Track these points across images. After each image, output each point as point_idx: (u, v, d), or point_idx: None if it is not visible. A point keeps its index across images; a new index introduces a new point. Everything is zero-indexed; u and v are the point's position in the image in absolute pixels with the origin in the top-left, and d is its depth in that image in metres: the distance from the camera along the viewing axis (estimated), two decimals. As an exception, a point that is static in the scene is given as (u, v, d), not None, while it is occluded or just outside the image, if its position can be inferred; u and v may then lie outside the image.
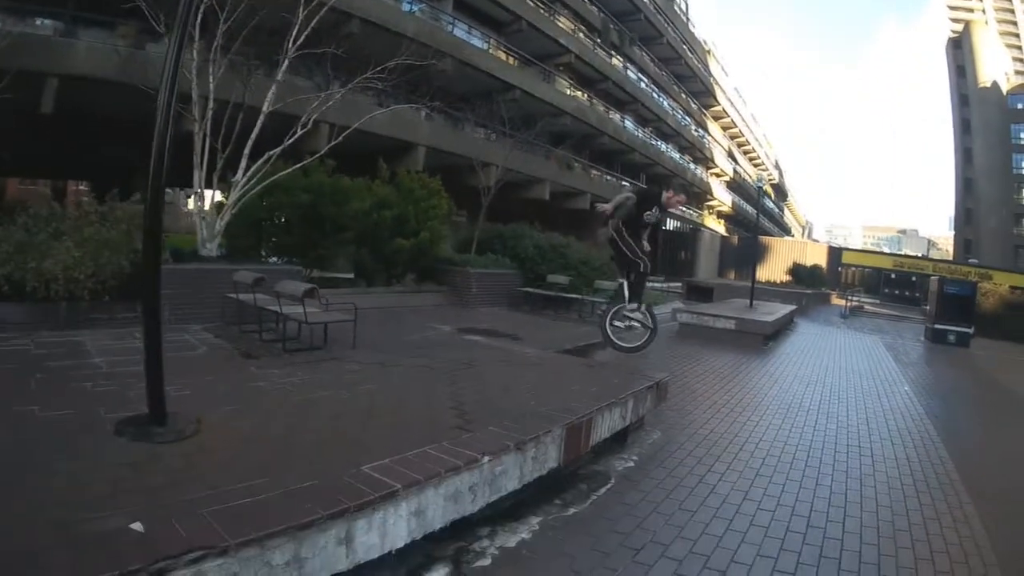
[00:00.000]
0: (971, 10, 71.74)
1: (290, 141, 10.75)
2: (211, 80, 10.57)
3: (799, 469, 5.56)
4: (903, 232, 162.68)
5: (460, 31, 25.50)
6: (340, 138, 11.56)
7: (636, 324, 9.87)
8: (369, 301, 9.54)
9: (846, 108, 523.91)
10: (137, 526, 2.60)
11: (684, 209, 47.15)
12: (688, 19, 51.43)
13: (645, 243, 9.33)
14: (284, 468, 3.34)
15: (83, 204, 9.95)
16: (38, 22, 14.45)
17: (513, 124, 20.58)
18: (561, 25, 31.47)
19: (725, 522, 4.23)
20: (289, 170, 11.29)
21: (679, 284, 28.13)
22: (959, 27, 69.80)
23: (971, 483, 5.67)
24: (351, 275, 12.05)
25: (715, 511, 4.41)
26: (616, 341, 9.77)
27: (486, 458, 3.62)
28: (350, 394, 5.24)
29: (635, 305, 9.61)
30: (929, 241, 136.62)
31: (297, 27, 10.92)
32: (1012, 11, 68.90)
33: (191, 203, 10.95)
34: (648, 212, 9.25)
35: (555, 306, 14.75)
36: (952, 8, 73.79)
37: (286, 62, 11.06)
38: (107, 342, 7.48)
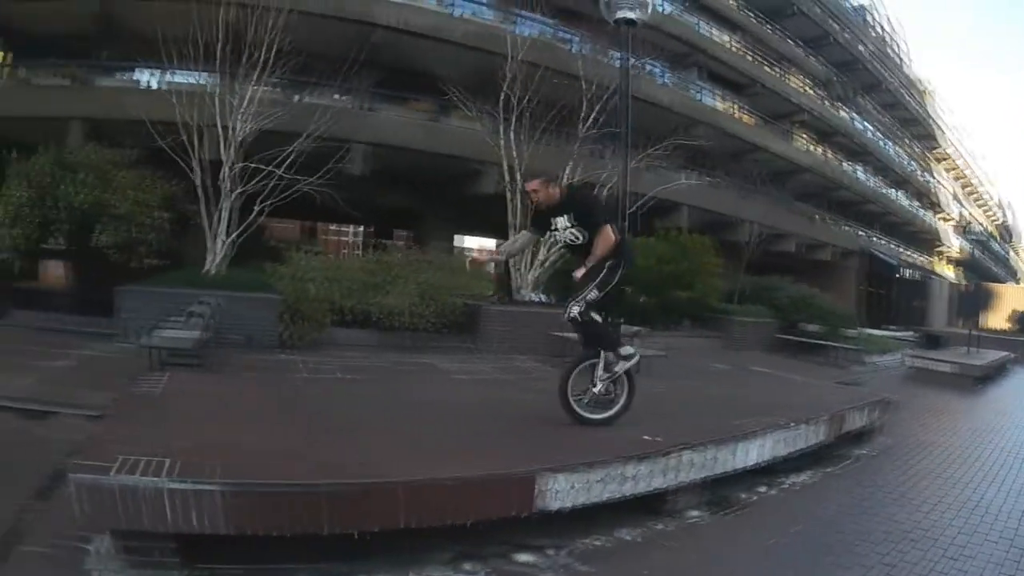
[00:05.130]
0: None
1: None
2: (512, 149, 13.61)
3: (981, 460, 8.00)
4: None
5: (707, 97, 28.16)
6: (638, 207, 13.69)
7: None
8: (653, 342, 11.24)
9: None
10: (648, 437, 5.25)
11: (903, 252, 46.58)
12: (902, 60, 50.72)
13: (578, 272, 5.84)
14: (698, 420, 6.44)
15: (409, 253, 12.78)
16: (336, 96, 16.86)
17: (761, 181, 22.67)
18: (792, 84, 33.23)
19: (931, 480, 6.83)
20: None
21: (911, 332, 28.88)
22: None
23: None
24: (621, 320, 14.02)
25: (923, 474, 7.03)
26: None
27: (792, 424, 6.48)
28: (704, 393, 8.81)
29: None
30: None
31: (584, 110, 13.88)
32: None
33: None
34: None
35: (807, 351, 16.69)
36: None
37: (578, 141, 13.96)
38: (454, 364, 9.87)
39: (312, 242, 31.39)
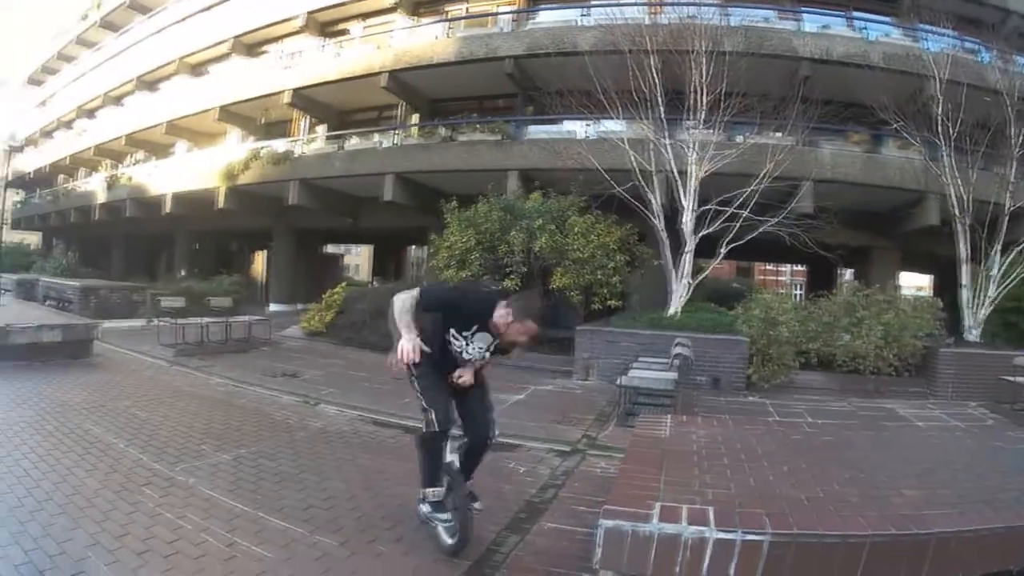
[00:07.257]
0: None
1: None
2: (956, 176, 13.18)
3: None
4: None
5: None
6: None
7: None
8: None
9: None
10: None
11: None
12: None
13: (460, 377, 4.57)
14: None
15: (873, 292, 12.15)
16: (777, 135, 15.21)
17: None
18: None
19: None
20: None
21: None
22: None
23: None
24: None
25: None
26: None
27: None
28: None
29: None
30: None
31: (1013, 128, 13.04)
32: None
33: (964, 295, 13.09)
34: (459, 334, 4.49)
35: None
36: None
37: (1013, 162, 13.09)
38: (911, 410, 9.61)
39: (748, 282, 31.72)
